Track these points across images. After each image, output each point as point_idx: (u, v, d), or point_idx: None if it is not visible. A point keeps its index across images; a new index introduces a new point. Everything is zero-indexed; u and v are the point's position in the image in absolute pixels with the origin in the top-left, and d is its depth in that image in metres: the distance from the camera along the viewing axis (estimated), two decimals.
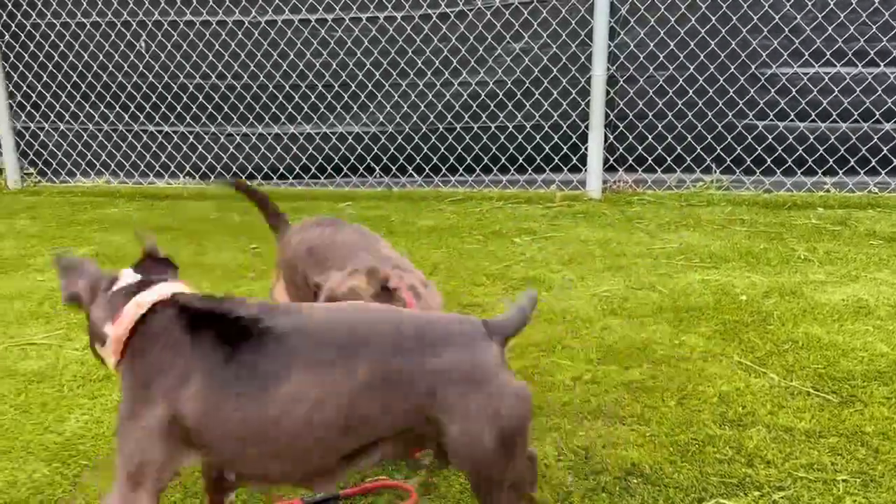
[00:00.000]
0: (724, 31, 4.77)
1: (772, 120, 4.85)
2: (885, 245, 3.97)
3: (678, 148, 4.96)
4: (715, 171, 4.98)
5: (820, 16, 4.62)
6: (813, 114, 4.76)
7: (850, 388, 2.66)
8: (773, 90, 4.80)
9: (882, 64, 4.60)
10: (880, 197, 4.72)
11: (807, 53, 4.70)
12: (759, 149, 4.88)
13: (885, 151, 4.68)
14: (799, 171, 4.85)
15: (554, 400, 2.65)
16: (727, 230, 4.32)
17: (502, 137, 5.24)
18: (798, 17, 4.66)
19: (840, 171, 4.81)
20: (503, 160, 5.28)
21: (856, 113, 4.70)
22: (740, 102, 4.86)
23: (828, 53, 4.66)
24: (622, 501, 2.14)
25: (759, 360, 2.86)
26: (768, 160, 4.88)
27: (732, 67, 4.81)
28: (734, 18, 4.73)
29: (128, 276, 1.77)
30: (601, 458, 2.33)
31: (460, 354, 1.61)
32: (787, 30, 4.70)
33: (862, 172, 4.76)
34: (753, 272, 3.70)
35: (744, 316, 3.23)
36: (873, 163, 4.72)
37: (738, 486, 2.19)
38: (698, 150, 4.95)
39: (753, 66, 4.80)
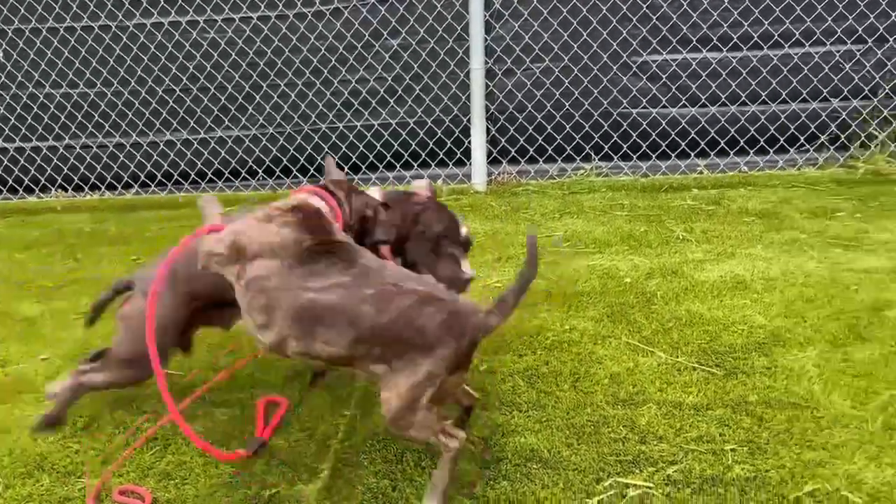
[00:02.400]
0: (595, 21, 4.88)
1: (645, 107, 5.00)
2: (757, 221, 4.15)
3: (558, 138, 5.06)
4: (594, 159, 5.10)
5: (685, 4, 4.78)
6: (683, 99, 4.93)
7: (733, 361, 2.77)
8: (644, 77, 4.95)
9: (745, 48, 4.81)
10: (750, 175, 4.93)
11: (674, 41, 4.86)
12: (635, 135, 5.02)
13: (752, 132, 4.89)
14: (673, 155, 5.01)
15: None
16: (609, 215, 4.43)
17: (386, 134, 5.22)
18: (664, 5, 4.81)
19: (711, 153, 5.00)
20: (388, 157, 5.26)
21: (723, 96, 4.89)
22: (614, 91, 4.99)
23: (694, 40, 4.83)
24: (522, 487, 2.17)
25: (646, 340, 2.94)
26: (644, 146, 5.03)
27: (605, 57, 4.93)
28: (604, 9, 4.84)
29: None
30: (500, 446, 2.35)
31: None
32: (654, 18, 4.85)
33: (732, 153, 4.96)
34: (635, 255, 3.81)
35: (629, 298, 3.32)
36: (742, 143, 4.92)
37: (633, 464, 2.24)
38: (577, 139, 5.06)
39: (625, 55, 4.93)
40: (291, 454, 2.38)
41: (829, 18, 4.68)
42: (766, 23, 4.74)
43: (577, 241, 4.05)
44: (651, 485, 2.15)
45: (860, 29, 4.68)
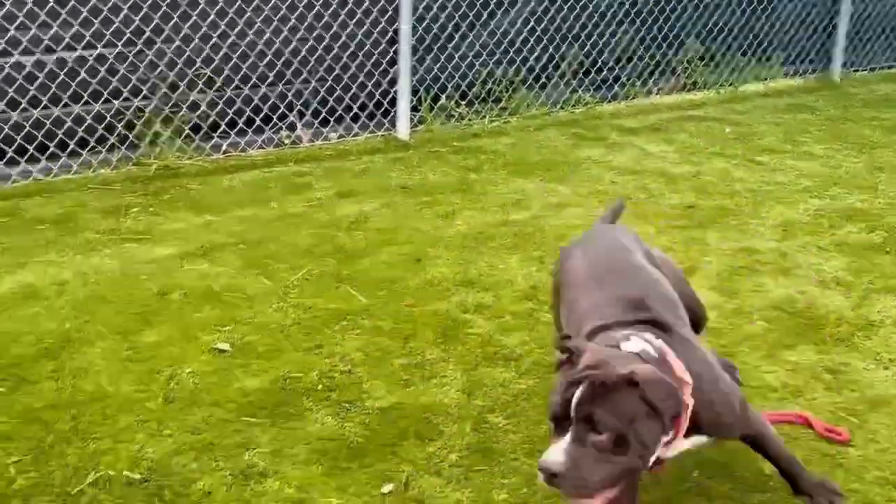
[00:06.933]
0: None
1: None
2: (51, 227, 4.07)
3: None
4: None
5: None
6: None
7: (20, 372, 2.70)
8: None
9: (16, 53, 4.65)
10: (47, 183, 4.80)
11: None
12: None
13: (40, 138, 4.77)
14: None
15: None
16: None
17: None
18: None
19: (1, 163, 4.76)
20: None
21: (1, 103, 4.68)
22: None
23: None
24: None
25: None
26: None
27: None
28: None
29: None
30: None
31: None
32: None
33: (23, 161, 4.78)
34: None
35: None
36: (32, 150, 4.77)
37: None
38: None
39: None
40: None
41: (97, 21, 4.78)
42: (34, 27, 4.66)
43: None
44: None
45: (128, 31, 4.88)
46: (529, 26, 6.11)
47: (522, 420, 2.49)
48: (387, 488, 2.18)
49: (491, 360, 2.83)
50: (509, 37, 6.06)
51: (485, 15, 5.94)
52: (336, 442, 2.37)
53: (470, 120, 5.86)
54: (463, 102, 5.92)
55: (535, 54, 6.17)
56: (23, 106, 4.73)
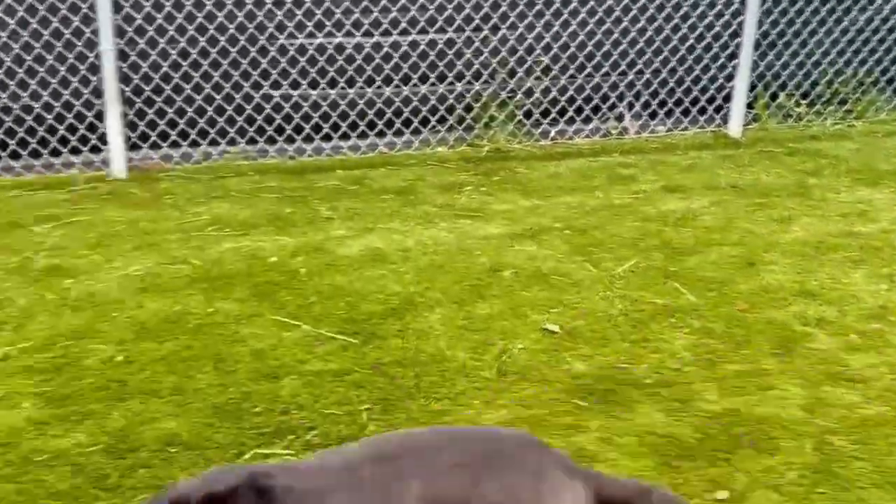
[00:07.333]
0: (229, 3, 4.86)
1: (286, 89, 5.07)
2: (395, 198, 4.39)
3: (200, 121, 4.96)
4: (240, 143, 5.08)
5: None
6: (322, 82, 5.07)
7: (370, 327, 2.94)
8: (283, 60, 5.01)
9: (376, 34, 5.05)
10: (391, 156, 5.19)
11: (310, 25, 4.98)
12: (279, 118, 5.07)
13: (389, 114, 5.16)
14: (317, 137, 5.14)
15: (85, 387, 2.54)
16: (256, 198, 4.45)
17: (8, 119, 4.79)
18: None
19: (353, 135, 5.20)
20: (12, 145, 4.83)
21: (360, 79, 5.11)
22: (254, 73, 5.00)
23: (329, 24, 4.99)
24: (162, 472, 2.15)
25: (290, 315, 3.02)
26: (288, 128, 5.10)
27: (243, 39, 4.92)
28: None
29: None
30: (137, 435, 2.30)
31: None
32: (289, 3, 4.93)
33: (372, 135, 5.20)
34: (282, 235, 3.87)
35: (274, 276, 3.37)
36: (380, 125, 5.17)
37: (274, 435, 2.31)
38: (221, 122, 5.01)
39: (263, 38, 4.96)
40: None
41: (450, 7, 5.06)
42: (395, 10, 5.02)
43: (223, 224, 4.02)
44: (291, 452, 2.23)
45: (477, 17, 5.11)
46: (889, 24, 5.60)
47: (871, 448, 2.30)
48: (721, 495, 2.11)
49: (834, 380, 2.64)
50: (864, 34, 5.60)
51: (839, 10, 5.53)
52: (667, 439, 2.34)
53: (809, 121, 5.50)
54: (804, 102, 5.57)
55: (893, 54, 5.66)
56: (377, 83, 5.14)
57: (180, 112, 4.95)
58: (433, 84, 5.17)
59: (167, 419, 2.37)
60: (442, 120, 5.23)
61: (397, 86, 5.15)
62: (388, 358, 2.73)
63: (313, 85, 5.08)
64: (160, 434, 2.30)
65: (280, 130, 5.11)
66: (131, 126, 4.92)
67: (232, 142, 5.09)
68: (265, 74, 5.02)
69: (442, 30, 5.11)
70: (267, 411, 2.42)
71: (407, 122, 5.19)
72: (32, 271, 3.46)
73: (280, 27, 4.97)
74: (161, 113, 4.92)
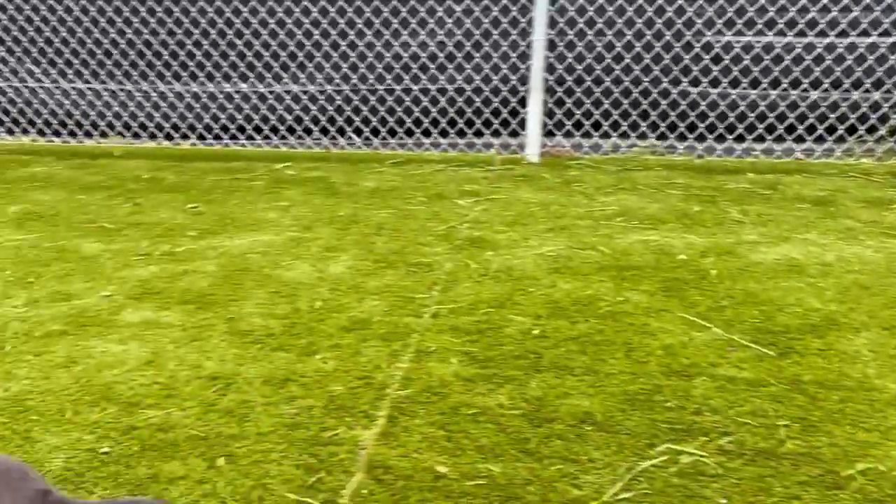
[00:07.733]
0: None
1: (705, 87, 4.98)
2: (812, 208, 4.14)
3: (615, 113, 5.06)
4: (650, 137, 5.09)
5: None
6: (745, 81, 4.90)
7: (787, 341, 2.78)
8: (707, 58, 4.92)
9: (810, 34, 4.76)
10: (806, 163, 4.90)
11: (740, 22, 4.83)
12: (693, 115, 5.00)
13: (811, 119, 4.86)
14: (730, 138, 4.99)
15: (506, 353, 2.71)
16: (663, 193, 4.43)
17: (442, 100, 5.24)
18: None
19: (769, 138, 4.97)
20: (443, 123, 5.29)
21: (785, 81, 4.86)
22: (675, 69, 4.97)
23: (759, 22, 4.80)
24: (576, 447, 2.21)
25: (700, 315, 2.97)
26: (701, 126, 5.01)
27: (668, 35, 4.91)
28: None
29: None
30: (554, 407, 2.40)
31: None
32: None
33: (789, 139, 4.93)
34: (690, 233, 3.82)
35: (684, 274, 3.33)
36: (800, 130, 4.89)
37: (686, 432, 2.28)
38: (634, 115, 5.05)
39: (689, 34, 4.91)
40: (350, 399, 2.45)
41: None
42: (835, 10, 4.69)
43: (631, 216, 4.06)
44: (704, 453, 2.19)
45: None
46: None
47: None
48: None
49: None
50: None
51: None
52: None
53: None
54: None
55: None
56: (803, 86, 4.85)
57: (597, 103, 5.07)
58: (867, 90, 4.76)
59: (581, 397, 2.45)
60: (871, 129, 4.81)
61: (826, 90, 4.82)
62: (808, 376, 2.57)
63: (734, 84, 4.93)
64: (575, 410, 2.38)
65: (692, 128, 5.04)
66: (549, 114, 5.14)
67: (642, 136, 5.11)
68: (686, 70, 4.97)
69: (887, 33, 4.68)
70: (678, 408, 2.39)
71: (831, 129, 4.85)
72: (457, 240, 3.76)
73: (709, 23, 4.88)
74: (579, 103, 5.08)
